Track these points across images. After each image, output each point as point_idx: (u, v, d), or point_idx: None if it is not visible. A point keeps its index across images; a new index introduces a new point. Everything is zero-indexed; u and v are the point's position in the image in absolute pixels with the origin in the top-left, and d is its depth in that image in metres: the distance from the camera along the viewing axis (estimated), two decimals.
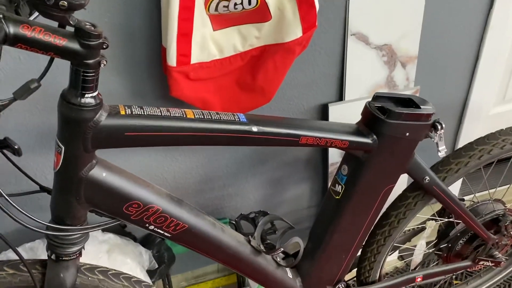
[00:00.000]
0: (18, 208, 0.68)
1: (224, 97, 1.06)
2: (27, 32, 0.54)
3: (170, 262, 1.29)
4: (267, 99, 1.10)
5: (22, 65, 0.95)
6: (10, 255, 1.07)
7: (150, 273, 1.22)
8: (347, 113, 1.24)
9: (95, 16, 0.94)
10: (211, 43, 0.96)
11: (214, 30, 0.96)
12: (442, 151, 0.93)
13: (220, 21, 0.95)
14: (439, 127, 0.90)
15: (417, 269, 1.25)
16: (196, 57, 0.96)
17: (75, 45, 0.58)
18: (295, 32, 0.98)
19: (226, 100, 1.06)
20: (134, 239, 1.27)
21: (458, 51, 1.38)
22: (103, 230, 1.19)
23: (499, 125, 1.15)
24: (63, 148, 0.65)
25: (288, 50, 1.01)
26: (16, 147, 0.62)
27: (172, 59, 0.92)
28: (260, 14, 0.96)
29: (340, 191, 0.95)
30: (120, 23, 0.97)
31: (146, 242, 1.28)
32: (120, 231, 1.25)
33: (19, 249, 1.09)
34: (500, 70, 1.48)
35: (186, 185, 1.29)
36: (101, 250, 1.14)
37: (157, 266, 1.25)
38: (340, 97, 1.28)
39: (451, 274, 1.28)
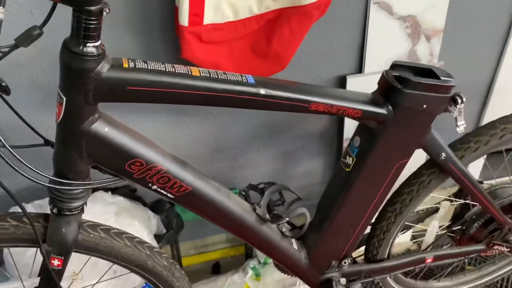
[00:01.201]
0: (21, 159, 0.67)
1: (237, 62, 1.03)
2: None
3: (179, 228, 1.29)
4: (282, 66, 1.06)
5: (34, 19, 0.94)
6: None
7: (158, 237, 1.23)
8: (366, 86, 1.19)
9: None
10: (225, 4, 0.93)
11: None
12: (461, 127, 0.88)
13: None
14: (459, 101, 0.86)
15: (428, 250, 1.22)
16: (209, 17, 0.93)
17: None
18: None
19: (239, 65, 1.03)
20: (144, 204, 1.27)
21: (487, 27, 1.32)
22: (113, 192, 1.20)
23: None
24: (64, 99, 0.64)
25: (305, 13, 0.97)
26: (3, 84, 0.60)
27: (184, 19, 0.90)
28: None
29: (350, 163, 0.91)
30: None
31: (155, 207, 1.28)
32: (130, 195, 1.25)
33: (29, 206, 1.10)
34: None
35: (197, 153, 1.28)
36: (109, 211, 1.14)
37: (165, 231, 1.25)
38: (360, 69, 1.24)
39: (463, 258, 1.24)
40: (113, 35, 1.00)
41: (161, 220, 1.25)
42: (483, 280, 1.42)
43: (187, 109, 1.19)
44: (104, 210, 1.14)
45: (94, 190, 1.17)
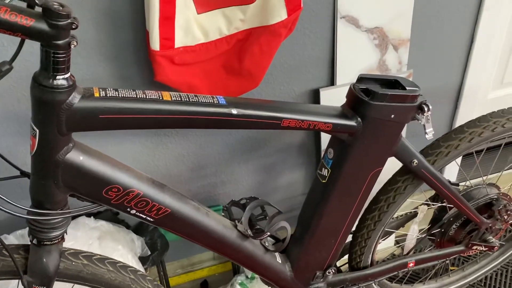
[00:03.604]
0: None
1: (211, 82, 1.05)
2: None
3: (163, 249, 1.29)
4: (255, 83, 1.09)
5: (6, 51, 0.95)
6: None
7: (143, 260, 1.23)
8: (338, 97, 1.22)
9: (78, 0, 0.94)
10: (195, 27, 0.95)
11: (198, 13, 0.95)
12: (430, 133, 0.91)
13: (204, 3, 0.94)
14: (426, 109, 0.89)
15: (409, 254, 1.24)
16: (180, 41, 0.95)
17: (43, 26, 0.57)
18: (280, 14, 0.97)
19: (213, 85, 1.05)
20: (127, 226, 1.27)
21: (452, 33, 1.36)
22: (95, 217, 1.20)
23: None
24: (37, 131, 0.65)
25: (273, 33, 0.99)
26: None
27: (155, 43, 0.92)
28: None
29: (326, 175, 0.94)
30: (105, 7, 0.96)
31: (139, 229, 1.28)
32: (113, 218, 1.25)
33: (11, 236, 1.09)
34: (496, 52, 1.46)
35: (178, 172, 1.28)
36: (92, 236, 1.14)
37: (149, 253, 1.25)
38: (332, 81, 1.27)
39: (445, 259, 1.27)
40: (86, 62, 1.01)
41: (145, 242, 1.25)
42: (467, 280, 1.44)
43: (165, 130, 1.20)
44: (87, 235, 1.13)
45: (76, 216, 1.17)
